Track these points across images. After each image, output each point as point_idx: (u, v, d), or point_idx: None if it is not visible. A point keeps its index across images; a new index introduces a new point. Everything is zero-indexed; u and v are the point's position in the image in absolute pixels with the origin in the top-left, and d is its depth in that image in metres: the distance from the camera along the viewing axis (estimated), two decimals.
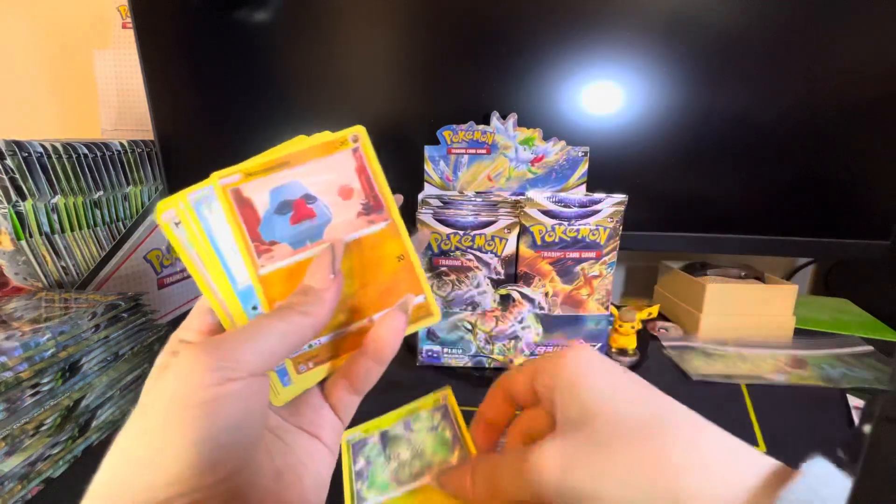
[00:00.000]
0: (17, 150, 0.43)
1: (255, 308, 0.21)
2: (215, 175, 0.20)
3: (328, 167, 0.21)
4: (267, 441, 0.21)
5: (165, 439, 0.17)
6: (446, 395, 0.32)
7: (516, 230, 0.45)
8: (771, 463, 0.16)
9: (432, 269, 0.47)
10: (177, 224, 0.20)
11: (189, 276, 0.65)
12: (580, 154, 0.47)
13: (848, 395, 0.44)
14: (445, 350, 0.48)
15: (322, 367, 0.22)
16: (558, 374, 0.20)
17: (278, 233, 0.21)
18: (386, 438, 0.32)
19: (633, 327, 0.49)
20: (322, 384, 0.24)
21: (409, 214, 0.47)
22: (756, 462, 0.16)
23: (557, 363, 0.21)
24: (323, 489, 0.22)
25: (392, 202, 0.22)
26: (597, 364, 0.21)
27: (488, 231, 0.45)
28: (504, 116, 0.46)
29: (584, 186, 0.48)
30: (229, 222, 0.21)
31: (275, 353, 0.19)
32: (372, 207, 0.22)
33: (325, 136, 0.21)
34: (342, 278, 0.21)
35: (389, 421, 0.33)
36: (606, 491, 0.17)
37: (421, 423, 0.32)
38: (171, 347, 0.21)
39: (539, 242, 0.45)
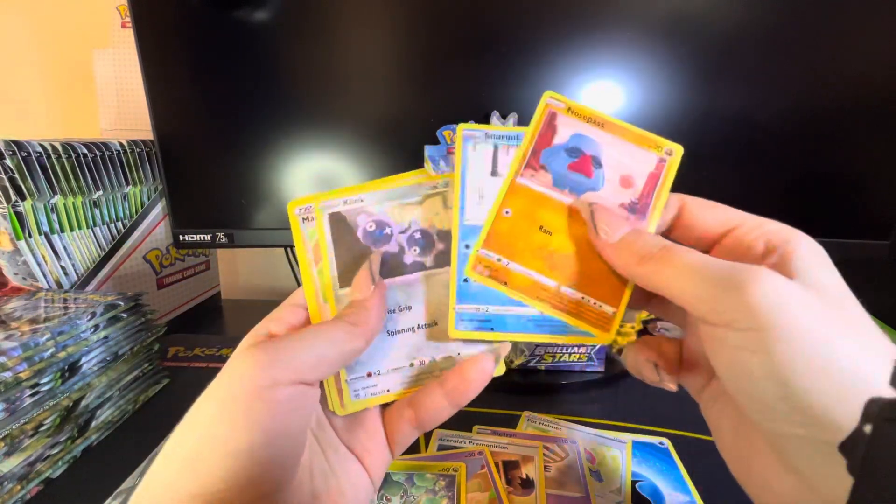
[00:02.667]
0: (16, 149, 0.43)
1: (467, 247, 0.22)
2: (549, 93, 0.22)
3: (630, 153, 0.22)
4: (312, 458, 0.20)
5: (212, 440, 0.17)
6: (458, 468, 0.33)
7: None
8: None
9: None
10: (304, 220, 0.23)
11: (188, 277, 0.65)
12: None
13: None
14: None
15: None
16: (800, 237, 0.19)
17: (554, 165, 0.22)
18: (387, 481, 0.33)
19: (633, 328, 0.49)
20: (383, 410, 0.23)
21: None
22: None
23: (795, 232, 0.19)
24: None
25: (655, 223, 0.22)
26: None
27: None
28: (504, 116, 0.46)
29: None
30: (529, 130, 0.22)
31: (325, 359, 0.19)
32: (637, 209, 0.22)
33: (647, 134, 0.23)
34: (384, 286, 0.22)
35: (396, 466, 0.34)
36: (834, 339, 0.15)
37: (423, 483, 0.33)
38: (256, 336, 0.20)
39: None
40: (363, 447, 0.22)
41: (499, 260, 0.22)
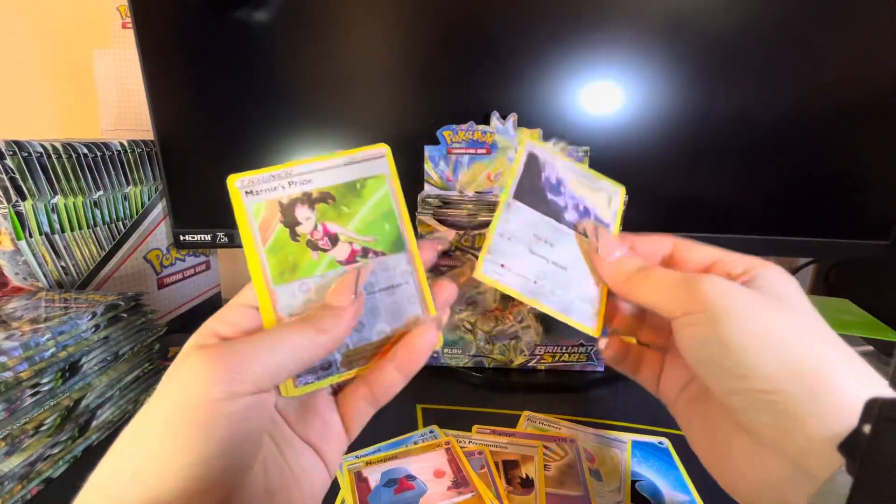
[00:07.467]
0: (17, 150, 0.43)
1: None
2: (345, 464, 0.29)
3: (428, 458, 0.30)
4: (266, 456, 0.20)
5: (163, 454, 0.16)
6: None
7: None
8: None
9: (432, 269, 0.47)
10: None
11: (188, 277, 0.65)
12: (580, 154, 0.47)
13: None
14: (445, 350, 0.48)
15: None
16: (769, 266, 0.23)
17: (383, 499, 0.28)
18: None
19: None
20: (336, 393, 0.23)
21: (409, 214, 0.47)
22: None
23: (766, 263, 0.23)
24: None
25: (477, 480, 0.30)
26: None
27: None
28: (504, 116, 0.46)
29: None
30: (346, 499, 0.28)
31: (284, 367, 0.18)
32: (459, 483, 0.30)
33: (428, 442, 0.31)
34: (363, 300, 0.21)
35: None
36: (771, 333, 0.18)
37: None
38: (200, 339, 0.20)
39: None
40: (319, 436, 0.22)
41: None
